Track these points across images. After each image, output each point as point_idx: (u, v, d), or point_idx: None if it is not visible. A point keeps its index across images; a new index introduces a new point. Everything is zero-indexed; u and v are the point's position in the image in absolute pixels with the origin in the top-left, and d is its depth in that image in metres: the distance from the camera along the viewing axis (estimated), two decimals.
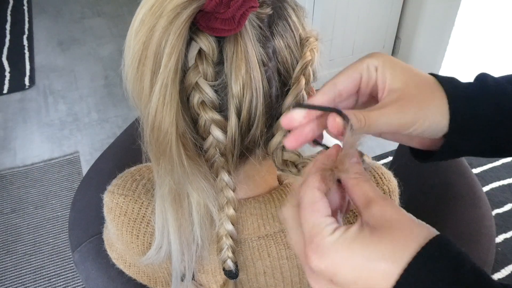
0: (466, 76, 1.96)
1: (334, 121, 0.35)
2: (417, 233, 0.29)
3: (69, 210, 0.90)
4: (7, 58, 2.53)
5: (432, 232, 0.29)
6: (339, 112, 0.35)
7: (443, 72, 2.08)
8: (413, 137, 0.41)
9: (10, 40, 2.68)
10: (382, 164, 0.59)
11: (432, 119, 0.37)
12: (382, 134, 0.41)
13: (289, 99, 0.43)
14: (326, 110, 0.36)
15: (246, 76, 0.39)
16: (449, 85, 0.38)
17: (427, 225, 0.30)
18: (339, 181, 0.34)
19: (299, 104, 0.38)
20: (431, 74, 0.40)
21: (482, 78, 0.39)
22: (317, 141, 0.39)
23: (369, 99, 0.41)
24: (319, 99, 0.37)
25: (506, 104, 0.38)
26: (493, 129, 0.38)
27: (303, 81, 0.43)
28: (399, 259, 0.28)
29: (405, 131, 0.37)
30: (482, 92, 0.38)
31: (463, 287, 0.27)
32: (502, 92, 0.38)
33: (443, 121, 0.37)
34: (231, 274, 0.49)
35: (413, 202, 0.85)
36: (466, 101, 0.38)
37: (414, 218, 0.30)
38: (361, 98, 0.41)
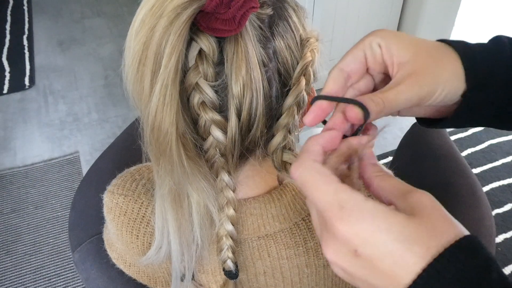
0: None
1: (353, 111, 0.33)
2: (453, 227, 0.28)
3: (69, 210, 0.90)
4: (7, 58, 2.53)
5: (464, 231, 0.28)
6: (358, 104, 0.34)
7: None
8: (430, 107, 0.40)
9: (10, 40, 2.68)
10: (382, 164, 0.59)
11: (450, 84, 0.35)
12: (400, 111, 0.40)
13: (289, 100, 0.43)
14: (345, 101, 0.35)
15: (247, 76, 0.39)
16: (459, 46, 0.37)
17: (460, 224, 0.29)
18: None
19: (318, 97, 0.37)
20: (439, 40, 0.38)
21: (496, 38, 0.38)
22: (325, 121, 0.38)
23: (384, 77, 0.39)
24: (332, 88, 0.36)
25: None
26: (510, 86, 0.37)
27: (303, 81, 0.43)
28: (433, 247, 0.26)
29: (425, 103, 0.35)
30: (496, 49, 0.37)
31: None
32: None
33: (460, 84, 0.36)
34: (231, 274, 0.49)
35: None
36: (480, 58, 0.36)
37: (447, 212, 0.29)
38: (376, 78, 0.39)
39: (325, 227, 0.29)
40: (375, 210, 0.28)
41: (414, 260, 0.26)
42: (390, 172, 0.33)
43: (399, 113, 0.40)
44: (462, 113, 0.38)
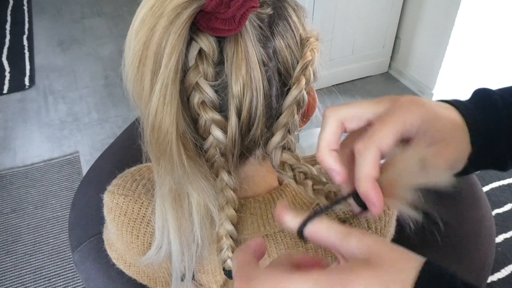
0: (467, 75, 1.96)
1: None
2: (406, 263, 0.27)
3: (69, 210, 0.90)
4: (7, 58, 2.53)
5: (419, 259, 0.27)
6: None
7: (443, 71, 2.08)
8: None
9: (10, 40, 2.68)
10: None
11: (462, 149, 0.37)
12: None
13: (289, 99, 0.43)
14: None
15: (247, 76, 0.39)
16: (464, 110, 0.38)
17: (410, 252, 0.28)
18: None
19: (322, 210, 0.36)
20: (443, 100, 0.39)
21: (484, 95, 0.40)
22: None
23: None
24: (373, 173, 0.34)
25: None
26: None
27: (303, 81, 0.43)
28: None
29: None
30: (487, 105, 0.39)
31: None
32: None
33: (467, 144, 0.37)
34: (231, 274, 0.49)
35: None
36: (480, 118, 0.38)
37: (394, 246, 0.29)
38: None
39: None
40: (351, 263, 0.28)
41: None
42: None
43: None
44: (471, 167, 0.39)
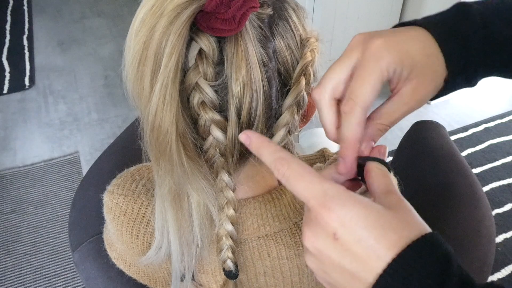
0: None
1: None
2: (421, 224, 0.30)
3: (69, 210, 0.90)
4: (7, 58, 2.53)
5: (429, 229, 0.31)
6: (378, 161, 0.36)
7: None
8: None
9: (10, 40, 2.68)
10: None
11: (440, 76, 0.38)
12: None
13: (289, 99, 0.43)
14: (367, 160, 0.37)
15: (246, 76, 0.39)
16: (435, 30, 0.38)
17: (425, 224, 0.31)
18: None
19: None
20: (410, 22, 0.40)
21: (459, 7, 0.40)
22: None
23: None
24: (359, 134, 0.36)
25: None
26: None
27: (303, 81, 0.43)
28: (404, 237, 0.29)
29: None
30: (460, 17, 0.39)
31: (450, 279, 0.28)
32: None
33: (442, 69, 0.38)
34: (231, 275, 0.49)
35: (413, 202, 0.85)
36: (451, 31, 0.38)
37: (417, 214, 0.32)
38: None
39: (309, 216, 0.31)
40: (355, 198, 0.30)
41: (386, 247, 0.28)
42: (387, 171, 0.35)
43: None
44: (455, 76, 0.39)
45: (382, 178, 0.34)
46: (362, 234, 0.29)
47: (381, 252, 0.28)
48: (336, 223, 0.29)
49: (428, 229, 0.30)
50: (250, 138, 0.37)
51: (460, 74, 0.39)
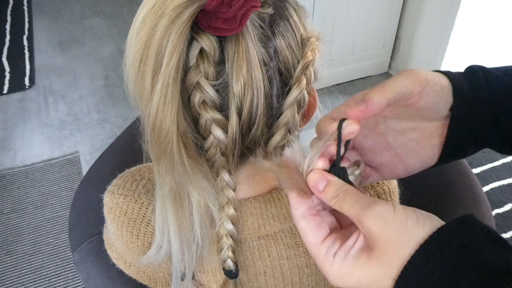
0: None
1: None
2: (405, 243, 0.31)
3: (69, 210, 0.90)
4: (7, 58, 2.53)
5: (434, 225, 0.31)
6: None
7: None
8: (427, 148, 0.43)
9: (10, 40, 2.68)
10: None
11: (439, 93, 0.39)
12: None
13: (290, 99, 0.43)
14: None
15: (247, 75, 0.39)
16: (447, 72, 0.41)
17: (428, 218, 0.32)
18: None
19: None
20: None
21: (470, 67, 0.42)
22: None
23: None
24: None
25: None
26: (494, 103, 0.41)
27: (304, 81, 0.43)
28: (393, 276, 0.31)
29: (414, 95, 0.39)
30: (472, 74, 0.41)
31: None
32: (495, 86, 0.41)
33: (448, 97, 0.40)
34: (231, 274, 0.49)
35: (413, 202, 0.85)
36: (466, 81, 0.41)
37: (403, 216, 0.32)
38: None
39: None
40: (340, 268, 0.33)
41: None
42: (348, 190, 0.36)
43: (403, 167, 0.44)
44: (455, 131, 0.41)
45: (342, 210, 0.35)
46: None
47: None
48: (341, 280, 0.34)
49: (406, 255, 0.31)
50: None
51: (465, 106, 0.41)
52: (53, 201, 1.71)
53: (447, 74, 0.40)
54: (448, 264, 0.29)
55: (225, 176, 0.45)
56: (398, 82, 0.37)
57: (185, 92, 0.40)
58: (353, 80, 2.34)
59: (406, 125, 0.42)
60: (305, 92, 0.44)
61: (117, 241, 0.57)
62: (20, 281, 1.45)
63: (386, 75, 2.41)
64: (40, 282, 1.45)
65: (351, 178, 0.37)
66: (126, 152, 0.90)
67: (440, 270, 0.29)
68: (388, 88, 0.37)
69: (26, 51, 2.58)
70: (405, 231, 0.31)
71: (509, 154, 0.43)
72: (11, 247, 1.55)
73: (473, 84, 0.40)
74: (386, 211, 0.32)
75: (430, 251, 0.30)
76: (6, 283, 1.45)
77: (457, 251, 0.29)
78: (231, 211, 0.47)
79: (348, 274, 0.33)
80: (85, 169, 1.84)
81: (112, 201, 0.54)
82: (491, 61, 2.16)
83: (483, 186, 1.74)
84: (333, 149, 0.36)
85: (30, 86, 2.32)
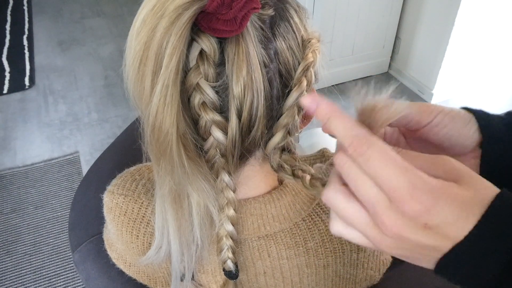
0: (466, 75, 1.96)
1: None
2: (489, 185, 0.32)
3: (69, 210, 0.90)
4: (7, 58, 2.53)
5: (495, 188, 0.32)
6: None
7: (443, 71, 2.09)
8: None
9: (10, 40, 2.68)
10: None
11: (461, 127, 0.41)
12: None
13: (290, 101, 0.43)
14: None
15: (247, 77, 0.39)
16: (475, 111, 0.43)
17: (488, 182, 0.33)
18: None
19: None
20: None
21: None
22: None
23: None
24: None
25: None
26: None
27: (304, 82, 0.43)
28: (483, 205, 0.30)
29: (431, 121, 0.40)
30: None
31: None
32: None
33: (472, 133, 0.41)
34: (231, 275, 0.49)
35: None
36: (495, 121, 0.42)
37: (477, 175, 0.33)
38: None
39: (389, 205, 0.31)
40: (439, 186, 0.31)
41: (472, 222, 0.30)
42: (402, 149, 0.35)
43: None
44: (485, 164, 0.42)
45: (412, 156, 0.34)
46: (453, 218, 0.30)
47: (470, 226, 0.30)
48: (427, 216, 0.30)
49: (495, 188, 0.32)
50: (317, 104, 0.36)
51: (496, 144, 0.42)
52: (53, 201, 1.71)
53: (472, 110, 0.42)
54: None
55: (225, 177, 0.45)
56: (405, 105, 0.38)
57: (185, 94, 0.40)
58: (353, 80, 2.34)
59: None
60: (306, 94, 0.44)
61: (117, 241, 0.57)
62: (20, 281, 1.45)
63: (386, 75, 2.41)
64: (40, 282, 1.45)
65: None
66: (126, 152, 0.90)
67: None
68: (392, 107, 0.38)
69: (26, 51, 2.59)
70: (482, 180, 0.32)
71: None
72: (11, 247, 1.55)
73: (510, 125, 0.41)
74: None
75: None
76: (6, 283, 1.45)
77: None
78: (231, 212, 0.47)
79: (447, 193, 0.31)
80: (85, 169, 1.84)
81: (112, 201, 0.54)
82: (490, 61, 2.16)
83: None
84: None
85: (30, 86, 2.32)
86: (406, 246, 0.32)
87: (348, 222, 0.34)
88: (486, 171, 0.42)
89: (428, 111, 0.40)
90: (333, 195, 0.34)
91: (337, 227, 0.35)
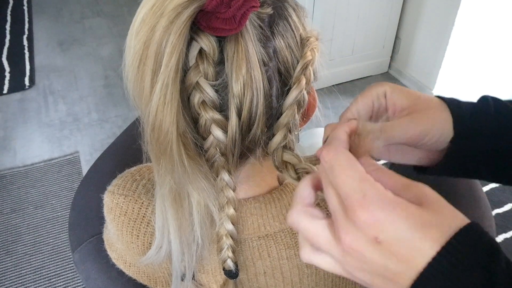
0: (466, 75, 1.96)
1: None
2: (458, 215, 0.31)
3: (69, 210, 0.90)
4: (7, 58, 2.53)
5: (466, 219, 0.31)
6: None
7: (443, 71, 2.09)
8: (423, 152, 0.47)
9: (10, 40, 2.68)
10: (382, 164, 0.59)
11: (442, 128, 0.42)
12: (394, 156, 0.47)
13: (289, 99, 0.43)
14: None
15: (247, 75, 0.39)
16: (451, 101, 0.44)
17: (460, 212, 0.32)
18: None
19: None
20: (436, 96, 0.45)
21: (483, 97, 0.45)
22: None
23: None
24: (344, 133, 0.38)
25: (505, 120, 0.43)
26: (495, 141, 0.43)
27: (303, 80, 0.43)
28: (446, 232, 0.29)
29: (421, 140, 0.41)
30: (481, 106, 0.44)
31: (497, 272, 0.28)
32: (501, 109, 0.44)
33: (449, 132, 0.42)
34: (231, 274, 0.49)
35: None
36: (467, 112, 0.43)
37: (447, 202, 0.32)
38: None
39: (344, 215, 0.31)
40: (394, 200, 0.30)
41: (429, 245, 0.28)
42: (383, 167, 0.35)
43: (391, 158, 0.47)
44: (450, 159, 0.44)
45: (388, 176, 0.33)
46: (405, 237, 0.29)
47: (425, 251, 0.28)
48: (377, 227, 0.29)
49: (466, 219, 0.30)
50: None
51: (465, 140, 0.43)
52: (53, 201, 1.71)
53: (451, 104, 0.43)
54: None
55: (225, 176, 0.45)
56: (403, 128, 0.40)
57: (185, 92, 0.40)
58: (353, 80, 2.34)
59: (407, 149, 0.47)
60: (305, 92, 0.44)
61: (117, 241, 0.57)
62: (20, 281, 1.45)
63: (386, 75, 2.41)
64: (40, 282, 1.45)
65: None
66: (126, 152, 0.90)
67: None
68: (390, 132, 0.40)
69: (26, 51, 2.59)
70: (452, 208, 0.31)
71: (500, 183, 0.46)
72: (11, 247, 1.55)
73: (479, 116, 0.42)
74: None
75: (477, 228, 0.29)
76: (6, 283, 1.45)
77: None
78: (231, 211, 0.47)
79: (401, 208, 0.29)
80: (85, 169, 1.84)
81: (112, 201, 0.54)
82: (491, 61, 2.16)
83: (483, 186, 1.74)
84: None
85: (30, 86, 2.32)
86: (366, 267, 0.31)
87: (314, 242, 0.33)
88: (447, 163, 0.43)
89: (415, 135, 0.41)
90: (296, 217, 0.34)
91: (307, 254, 0.34)
